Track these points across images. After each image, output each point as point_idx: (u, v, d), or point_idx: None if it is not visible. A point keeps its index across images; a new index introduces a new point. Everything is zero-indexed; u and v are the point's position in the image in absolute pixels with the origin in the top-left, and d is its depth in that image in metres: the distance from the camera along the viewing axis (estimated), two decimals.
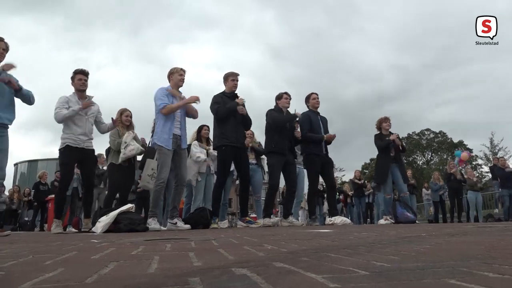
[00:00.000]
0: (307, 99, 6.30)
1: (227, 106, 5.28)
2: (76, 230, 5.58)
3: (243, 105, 5.40)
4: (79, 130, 4.88)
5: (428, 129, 50.08)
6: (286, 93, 5.98)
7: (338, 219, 5.85)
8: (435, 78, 66.92)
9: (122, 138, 5.47)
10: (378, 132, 6.82)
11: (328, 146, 6.16)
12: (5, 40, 4.06)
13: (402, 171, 6.64)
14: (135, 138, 5.61)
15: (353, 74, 77.63)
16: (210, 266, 1.09)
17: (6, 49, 4.05)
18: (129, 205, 4.66)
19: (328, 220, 6.16)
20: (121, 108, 5.81)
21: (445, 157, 45.53)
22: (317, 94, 6.30)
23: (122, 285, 0.83)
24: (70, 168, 5.05)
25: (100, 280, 0.90)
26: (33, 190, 11.28)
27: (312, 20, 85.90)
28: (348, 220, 6.00)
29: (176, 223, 4.81)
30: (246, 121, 5.51)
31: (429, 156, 49.59)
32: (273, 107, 5.97)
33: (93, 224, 4.73)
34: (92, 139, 5.08)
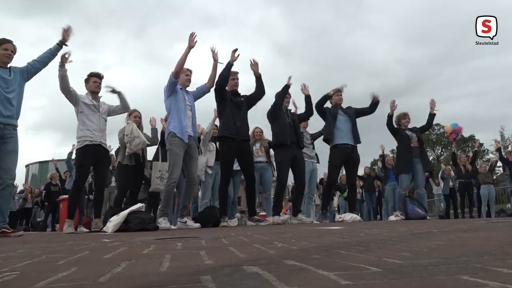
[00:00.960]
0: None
1: (222, 69, 5.28)
2: (87, 230, 5.64)
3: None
4: (93, 126, 4.92)
5: (437, 124, 49.57)
6: None
7: (348, 216, 5.83)
8: (444, 72, 66.30)
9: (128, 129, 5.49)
10: (396, 127, 6.73)
11: (359, 138, 6.06)
12: (13, 43, 4.12)
13: (424, 163, 6.45)
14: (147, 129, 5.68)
15: (361, 69, 77.27)
16: (221, 264, 1.10)
17: (14, 51, 4.11)
18: (139, 205, 4.69)
19: (338, 217, 6.13)
20: (130, 109, 5.84)
21: (455, 152, 45.10)
22: (340, 91, 6.25)
23: (134, 284, 0.84)
24: (87, 170, 5.07)
25: (113, 279, 0.91)
26: (45, 191, 11.42)
27: (318, 15, 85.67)
28: (358, 217, 5.97)
29: (186, 222, 4.83)
30: (258, 89, 5.51)
31: (439, 151, 49.18)
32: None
33: (104, 223, 4.77)
34: (105, 135, 5.13)
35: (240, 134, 5.29)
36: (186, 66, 5.00)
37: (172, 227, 4.83)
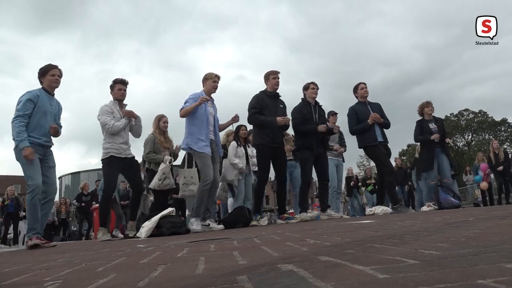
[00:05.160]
0: (355, 89, 6.15)
1: (267, 120, 5.26)
2: (122, 235, 5.75)
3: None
4: (120, 139, 4.97)
5: (466, 109, 48.19)
6: (313, 83, 5.90)
7: (379, 209, 5.73)
8: (465, 54, 64.17)
9: (159, 154, 5.68)
10: (420, 117, 6.60)
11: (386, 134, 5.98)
12: (59, 67, 4.24)
13: (447, 155, 6.42)
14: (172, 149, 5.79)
15: (376, 59, 76.13)
16: (256, 263, 1.10)
17: (60, 75, 4.23)
18: (169, 209, 4.76)
19: (368, 210, 6.04)
20: (158, 114, 5.90)
21: (486, 137, 43.68)
22: (365, 84, 6.14)
23: (173, 287, 0.86)
24: (114, 179, 5.13)
25: (152, 283, 0.93)
26: (75, 201, 11.78)
27: (327, 7, 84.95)
28: (389, 209, 5.86)
29: (208, 224, 4.83)
30: (284, 127, 5.54)
31: (470, 138, 47.72)
32: (300, 100, 5.93)
33: (137, 229, 4.87)
34: (130, 146, 5.18)
35: (275, 142, 5.35)
36: (215, 71, 5.09)
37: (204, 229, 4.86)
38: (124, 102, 5.20)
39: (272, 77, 5.49)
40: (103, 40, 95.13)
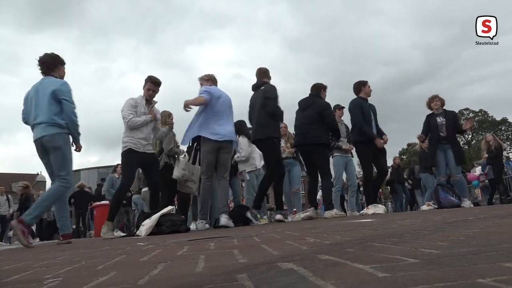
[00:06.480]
0: (363, 85, 6.09)
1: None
2: (124, 234, 5.72)
3: None
4: (140, 134, 4.88)
5: (466, 108, 48.23)
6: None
7: (371, 210, 5.55)
8: (465, 53, 63.96)
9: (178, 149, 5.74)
10: (431, 112, 6.57)
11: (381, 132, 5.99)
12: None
13: (456, 152, 6.28)
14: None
15: (376, 58, 76.12)
16: (256, 262, 1.10)
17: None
18: (169, 207, 4.77)
19: (363, 211, 5.89)
20: (166, 111, 5.88)
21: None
22: (368, 82, 6.14)
23: (173, 285, 0.86)
24: (131, 173, 5.02)
25: (152, 281, 0.93)
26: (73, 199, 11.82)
27: (326, 6, 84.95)
28: (379, 210, 5.66)
29: (221, 222, 4.82)
30: (275, 117, 5.35)
31: (470, 137, 47.72)
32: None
33: (137, 227, 4.87)
34: (151, 143, 5.10)
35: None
36: (213, 70, 5.09)
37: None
38: (155, 99, 5.12)
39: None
40: (101, 38, 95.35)
